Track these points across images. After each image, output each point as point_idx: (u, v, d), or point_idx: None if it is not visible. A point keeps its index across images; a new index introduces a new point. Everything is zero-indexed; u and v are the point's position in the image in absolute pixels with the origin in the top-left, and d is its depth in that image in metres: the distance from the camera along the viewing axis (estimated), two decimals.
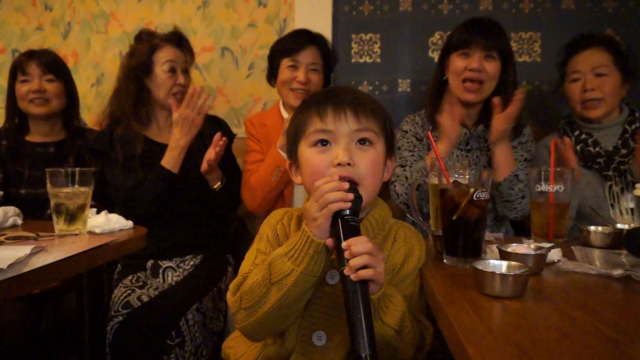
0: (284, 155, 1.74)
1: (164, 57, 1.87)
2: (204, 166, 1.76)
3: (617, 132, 1.77)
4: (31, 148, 2.01)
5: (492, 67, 1.67)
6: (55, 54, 2.07)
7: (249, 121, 1.99)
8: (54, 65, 2.00)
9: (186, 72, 1.94)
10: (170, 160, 1.78)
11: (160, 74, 1.86)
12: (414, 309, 0.96)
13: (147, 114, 1.91)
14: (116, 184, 1.82)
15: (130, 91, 1.86)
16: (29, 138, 2.04)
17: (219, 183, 1.84)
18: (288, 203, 1.85)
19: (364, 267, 0.77)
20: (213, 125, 1.94)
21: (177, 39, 1.93)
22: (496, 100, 1.62)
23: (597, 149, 1.75)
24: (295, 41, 1.89)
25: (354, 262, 0.78)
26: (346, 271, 0.78)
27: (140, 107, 1.88)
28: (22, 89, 1.97)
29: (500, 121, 1.59)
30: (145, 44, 1.87)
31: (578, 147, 1.77)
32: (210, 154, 1.74)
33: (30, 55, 1.99)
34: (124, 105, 1.86)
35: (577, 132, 1.81)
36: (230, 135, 2.00)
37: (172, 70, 1.88)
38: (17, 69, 1.98)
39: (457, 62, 1.70)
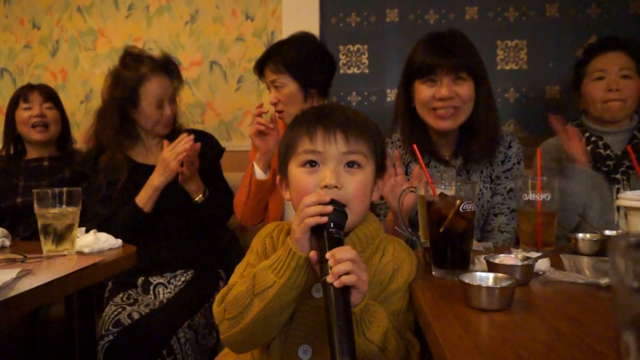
0: (257, 169, 1.71)
1: (151, 92, 1.80)
2: (180, 176, 1.73)
3: (626, 138, 1.78)
4: (26, 164, 2.14)
5: (465, 89, 1.46)
6: (52, 88, 2.27)
7: None
8: (52, 95, 2.20)
9: (173, 100, 1.89)
10: (144, 199, 1.74)
11: (146, 107, 1.81)
12: (401, 325, 0.96)
13: (131, 140, 1.88)
14: (92, 210, 1.78)
15: (113, 122, 1.81)
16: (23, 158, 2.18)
17: (201, 195, 1.80)
18: (273, 217, 1.83)
19: (347, 273, 0.78)
20: (199, 140, 1.89)
21: (166, 66, 1.85)
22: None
23: (608, 151, 1.76)
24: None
25: (337, 268, 0.78)
26: (329, 278, 0.78)
27: (122, 138, 1.84)
28: (23, 115, 2.13)
29: None
30: (132, 73, 1.79)
31: (588, 148, 1.78)
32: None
33: (32, 87, 2.20)
34: (108, 133, 1.82)
35: (587, 134, 1.82)
36: (219, 150, 1.99)
37: (160, 106, 1.83)
38: (20, 98, 2.15)
39: (424, 92, 1.49)
